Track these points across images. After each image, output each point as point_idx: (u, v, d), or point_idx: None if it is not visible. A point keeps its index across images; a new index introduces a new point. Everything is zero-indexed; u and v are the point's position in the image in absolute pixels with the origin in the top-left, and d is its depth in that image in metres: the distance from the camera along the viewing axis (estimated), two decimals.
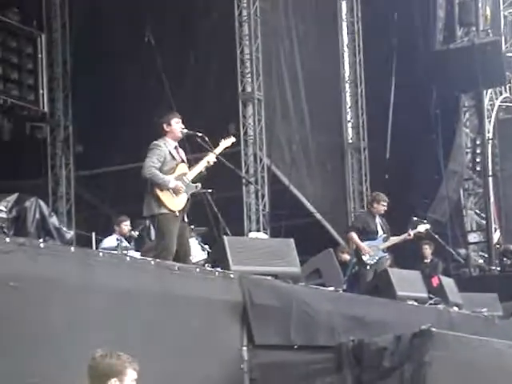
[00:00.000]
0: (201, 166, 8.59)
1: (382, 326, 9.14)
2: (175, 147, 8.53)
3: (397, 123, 16.83)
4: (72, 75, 15.90)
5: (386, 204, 11.65)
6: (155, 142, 8.45)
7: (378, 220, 11.66)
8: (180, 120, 8.55)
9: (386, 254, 11.72)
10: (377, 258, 11.48)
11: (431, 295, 11.43)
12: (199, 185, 8.59)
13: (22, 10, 15.45)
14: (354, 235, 11.52)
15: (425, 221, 13.01)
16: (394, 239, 11.79)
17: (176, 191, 8.33)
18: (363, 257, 11.42)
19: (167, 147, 8.44)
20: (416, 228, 12.08)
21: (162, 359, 6.77)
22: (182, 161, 8.54)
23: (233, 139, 8.92)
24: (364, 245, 11.43)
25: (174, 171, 8.42)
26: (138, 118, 14.17)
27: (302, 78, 15.80)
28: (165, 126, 8.50)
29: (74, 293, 6.30)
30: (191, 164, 8.65)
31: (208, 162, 8.60)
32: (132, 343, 6.17)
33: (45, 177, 15.76)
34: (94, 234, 11.18)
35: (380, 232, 11.63)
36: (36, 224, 10.04)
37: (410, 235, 11.95)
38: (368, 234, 11.52)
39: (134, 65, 14.95)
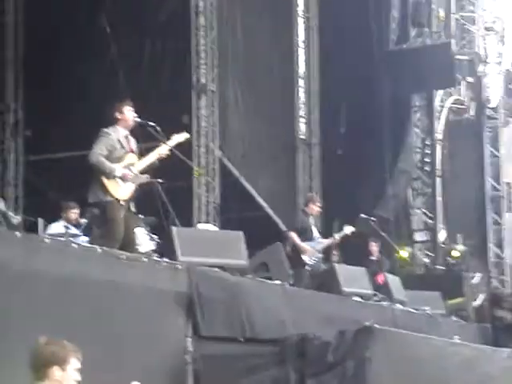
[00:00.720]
0: (152, 158, 8.58)
1: (327, 321, 9.22)
2: (126, 136, 8.49)
3: (349, 120, 16.97)
4: (23, 60, 15.69)
5: (320, 205, 11.93)
6: (105, 129, 8.40)
7: (311, 221, 11.89)
8: (132, 108, 8.51)
9: (321, 255, 11.93)
10: (315, 258, 11.66)
11: (376, 292, 11.57)
12: (148, 176, 8.56)
13: None
14: (294, 235, 11.66)
15: (372, 218, 13.16)
16: (323, 241, 11.97)
17: (123, 180, 8.29)
18: (303, 257, 11.56)
19: (117, 135, 8.39)
20: (342, 230, 12.17)
21: (106, 347, 6.75)
22: (132, 151, 8.51)
23: (186, 135, 8.92)
24: (304, 245, 11.58)
25: (121, 160, 8.38)
26: (89, 105, 14.05)
27: (256, 72, 15.81)
28: (117, 113, 8.45)
29: (19, 279, 6.25)
30: (142, 154, 8.62)
31: (160, 154, 8.59)
32: (76, 330, 6.14)
33: None
34: (41, 220, 11.06)
35: (315, 233, 11.84)
36: None
37: (335, 239, 12.09)
38: (305, 235, 11.68)
39: (87, 51, 14.79)
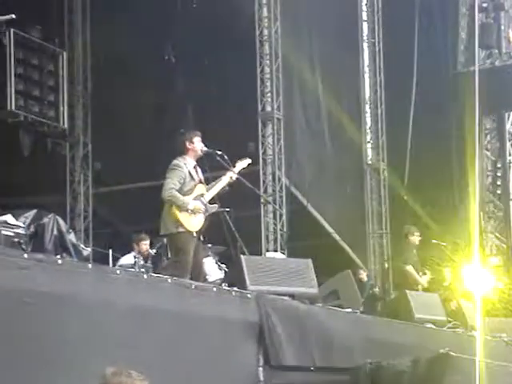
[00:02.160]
0: (219, 186, 8.60)
1: (400, 349, 9.04)
2: (194, 166, 8.54)
3: (417, 144, 16.75)
4: (92, 93, 15.97)
5: (419, 234, 11.94)
6: (175, 161, 8.46)
7: (415, 252, 12.01)
8: (200, 138, 8.57)
9: None
10: None
11: (449, 318, 11.32)
12: (216, 205, 8.59)
13: (44, 28, 15.55)
14: (412, 269, 11.78)
15: (443, 243, 12.96)
16: None
17: (195, 212, 8.34)
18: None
19: (187, 167, 8.45)
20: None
21: (178, 377, 6.72)
22: (200, 181, 8.56)
23: (249, 160, 8.93)
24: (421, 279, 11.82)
25: (192, 192, 8.43)
26: (156, 137, 14.18)
27: (323, 97, 15.77)
28: (187, 143, 8.52)
29: (90, 310, 6.27)
30: (209, 182, 8.64)
31: (227, 181, 8.60)
32: (148, 361, 6.13)
33: (63, 193, 15.78)
34: (110, 251, 11.15)
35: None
36: (54, 240, 10.03)
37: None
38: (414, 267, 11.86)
39: (153, 83, 14.97)
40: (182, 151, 8.52)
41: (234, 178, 8.63)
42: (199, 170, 8.63)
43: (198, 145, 8.52)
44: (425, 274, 12.05)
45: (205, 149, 8.60)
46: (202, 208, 8.39)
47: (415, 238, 12.07)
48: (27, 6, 14.79)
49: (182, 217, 8.31)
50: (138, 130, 14.91)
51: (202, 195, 8.49)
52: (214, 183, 8.64)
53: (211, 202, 8.59)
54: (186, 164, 8.47)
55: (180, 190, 8.36)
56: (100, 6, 15.81)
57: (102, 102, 15.71)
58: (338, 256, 14.81)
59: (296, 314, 8.27)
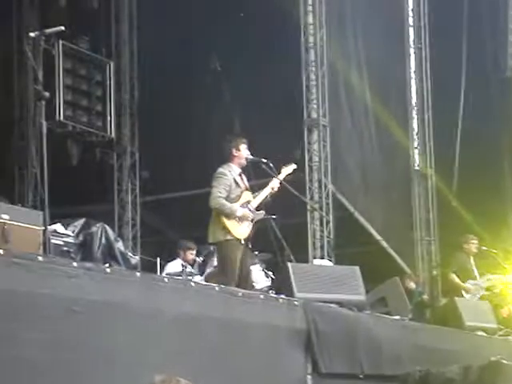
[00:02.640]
0: (265, 193, 8.60)
1: (450, 357, 8.94)
2: (239, 174, 8.55)
3: (465, 151, 16.56)
4: (139, 102, 16.10)
5: (475, 242, 11.87)
6: (221, 169, 8.48)
7: (472, 261, 11.91)
8: (247, 145, 8.59)
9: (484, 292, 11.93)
10: (478, 296, 11.62)
11: (501, 326, 11.17)
12: (263, 212, 8.59)
13: (91, 38, 15.73)
14: (455, 276, 11.80)
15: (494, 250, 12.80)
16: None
17: (243, 219, 8.35)
18: (466, 296, 11.59)
19: (232, 175, 8.46)
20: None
21: None
22: (246, 188, 8.56)
23: (294, 165, 8.91)
24: (466, 285, 11.76)
25: (239, 199, 8.44)
26: (203, 144, 14.25)
27: (370, 103, 15.69)
28: (234, 150, 8.53)
29: (138, 318, 6.30)
30: (254, 190, 8.65)
31: (272, 189, 8.60)
32: (195, 369, 6.14)
33: (111, 202, 15.92)
34: (158, 259, 11.22)
35: (475, 273, 11.85)
36: (102, 249, 10.12)
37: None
38: (465, 274, 11.87)
39: (199, 92, 15.04)
40: (228, 158, 8.53)
41: (278, 186, 8.62)
42: (245, 177, 8.64)
43: (244, 152, 8.54)
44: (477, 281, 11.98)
45: (250, 157, 8.61)
46: (250, 215, 8.41)
47: (471, 246, 12.08)
48: (75, 17, 14.99)
49: (230, 224, 8.33)
50: (185, 138, 14.98)
51: (248, 202, 8.50)
52: (260, 191, 8.65)
53: (257, 209, 8.59)
54: (231, 171, 8.48)
55: (226, 198, 8.37)
56: (147, 16, 15.95)
57: (148, 111, 15.84)
58: (385, 263, 14.70)
59: (344, 322, 8.23)
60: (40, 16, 15.55)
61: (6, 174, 14.86)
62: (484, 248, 12.82)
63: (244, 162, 8.56)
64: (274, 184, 8.63)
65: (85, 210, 12.46)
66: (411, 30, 16.95)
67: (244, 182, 8.58)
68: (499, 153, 16.50)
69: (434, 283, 15.64)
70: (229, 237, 8.34)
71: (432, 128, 16.76)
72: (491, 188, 16.22)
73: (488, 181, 16.22)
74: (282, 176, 8.70)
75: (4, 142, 15.10)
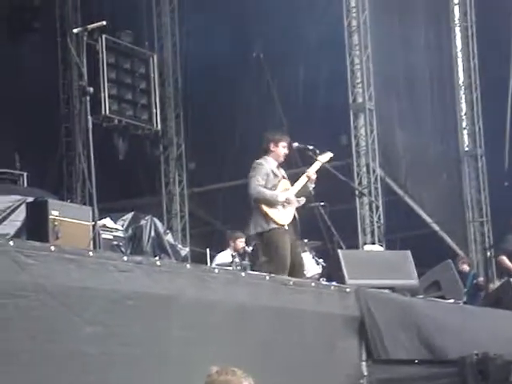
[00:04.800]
0: (302, 182, 8.52)
1: (506, 340, 8.80)
2: (276, 167, 8.50)
3: None
4: (183, 93, 16.12)
5: None
6: (257, 160, 8.47)
7: None
8: (287, 144, 8.51)
9: None
10: None
11: None
12: (304, 199, 8.52)
13: (134, 32, 15.79)
14: (505, 258, 11.44)
15: None
16: None
17: (285, 204, 8.29)
18: None
19: (269, 166, 8.41)
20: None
21: (279, 374, 6.68)
22: (284, 178, 8.51)
23: (330, 154, 8.80)
24: None
25: (276, 188, 8.40)
26: (248, 133, 14.21)
27: (416, 85, 15.51)
28: (272, 145, 8.48)
29: (190, 309, 6.30)
30: (295, 178, 8.59)
31: (309, 176, 8.51)
32: (249, 358, 6.11)
33: (159, 195, 15.99)
34: (208, 250, 11.22)
35: None
36: (152, 242, 10.16)
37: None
38: None
39: (243, 80, 15.00)
40: (265, 152, 8.48)
41: (315, 174, 8.52)
42: (282, 170, 8.59)
43: (281, 150, 8.47)
44: None
45: (296, 145, 8.56)
46: (292, 199, 8.33)
47: None
48: (117, 12, 15.04)
49: (272, 212, 8.27)
50: (230, 127, 14.97)
51: (286, 190, 8.45)
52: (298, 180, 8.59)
53: (298, 197, 8.53)
54: (268, 163, 8.44)
55: (264, 187, 8.32)
56: (188, 7, 15.94)
57: (193, 102, 15.85)
58: (437, 246, 14.54)
59: (397, 307, 8.13)
60: (82, 12, 15.65)
61: (54, 171, 15.00)
62: None
63: (281, 159, 8.50)
64: (312, 171, 8.55)
65: (133, 204, 12.54)
66: (456, 8, 16.70)
67: (281, 173, 8.52)
68: None
69: (488, 265, 15.42)
70: (272, 225, 8.28)
71: (480, 108, 16.51)
72: None
73: None
74: (317, 165, 8.61)
75: (51, 138, 15.23)
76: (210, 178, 15.43)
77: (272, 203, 8.27)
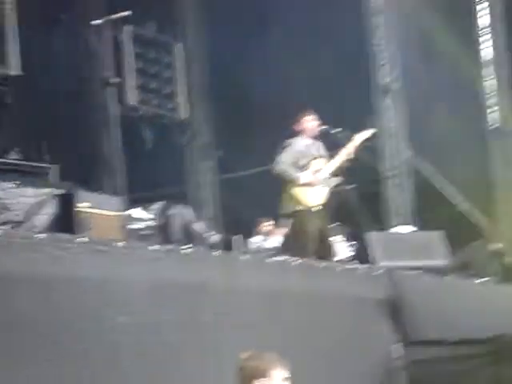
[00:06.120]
0: (339, 160, 8.46)
1: None
2: (310, 144, 8.45)
3: None
4: (208, 82, 16.11)
5: None
6: (288, 140, 8.44)
7: None
8: (312, 117, 8.46)
9: None
10: None
11: None
12: (339, 178, 8.46)
13: (158, 21, 15.78)
14: None
15: None
16: None
17: (309, 185, 8.24)
18: None
19: (300, 144, 8.38)
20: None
21: (312, 358, 6.69)
22: (318, 157, 8.45)
23: (372, 130, 8.73)
24: None
25: (308, 167, 8.35)
26: (274, 120, 14.14)
27: (441, 64, 15.35)
28: (297, 125, 8.46)
29: (220, 296, 6.31)
30: (328, 160, 8.54)
31: (347, 155, 8.47)
32: (280, 344, 6.11)
33: (188, 183, 16.02)
34: (238, 237, 11.21)
35: None
36: (182, 230, 10.16)
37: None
38: None
39: (264, 66, 14.93)
40: (296, 133, 8.47)
41: (351, 153, 8.47)
42: (320, 145, 8.51)
43: (308, 124, 8.43)
44: None
45: (321, 127, 8.51)
46: (317, 181, 8.26)
47: None
48: (140, 1, 15.03)
49: (299, 192, 8.22)
50: (257, 114, 14.92)
51: (319, 170, 8.39)
52: (333, 159, 8.54)
53: (334, 176, 8.46)
54: (298, 142, 8.40)
55: (294, 165, 8.28)
56: None
57: (218, 90, 15.82)
58: (468, 226, 14.42)
59: (430, 287, 8.11)
60: (106, 2, 15.66)
61: (83, 162, 15.07)
62: None
63: (313, 133, 8.45)
64: (348, 151, 8.49)
65: (163, 193, 12.52)
66: None
67: (316, 151, 8.46)
68: None
69: None
70: (299, 207, 8.21)
71: (509, 85, 16.31)
72: None
73: None
74: (355, 143, 8.53)
75: (78, 130, 15.30)
76: (238, 165, 15.41)
77: (296, 183, 8.24)
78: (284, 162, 8.27)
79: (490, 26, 16.33)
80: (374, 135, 8.79)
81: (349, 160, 8.49)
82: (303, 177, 8.25)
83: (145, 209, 9.64)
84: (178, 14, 16.18)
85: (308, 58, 14.57)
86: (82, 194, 7.89)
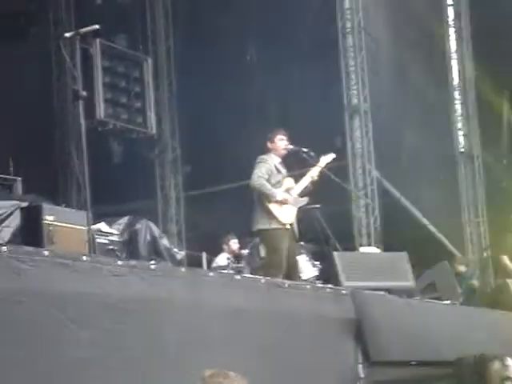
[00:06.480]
0: (305, 181, 8.54)
1: (504, 341, 8.79)
2: (279, 162, 8.52)
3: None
4: (177, 96, 16.10)
5: None
6: (261, 156, 8.49)
7: None
8: (284, 137, 8.53)
9: None
10: None
11: None
12: (306, 199, 8.53)
13: (128, 36, 15.77)
14: (506, 259, 11.49)
15: None
16: None
17: (283, 203, 8.29)
18: None
19: (272, 161, 8.44)
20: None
21: (274, 378, 6.66)
22: (289, 175, 8.52)
23: (333, 155, 8.84)
24: None
25: (281, 185, 8.41)
26: (243, 137, 14.19)
27: (410, 87, 15.50)
28: (268, 143, 8.52)
29: (185, 313, 6.28)
30: (297, 180, 8.60)
31: (312, 177, 8.54)
32: (244, 362, 6.09)
33: (155, 198, 15.97)
34: (204, 254, 11.20)
35: None
36: (147, 246, 10.13)
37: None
38: None
39: (236, 83, 14.98)
40: (267, 151, 8.51)
41: (318, 174, 8.56)
42: (284, 167, 8.61)
43: (280, 143, 8.50)
44: None
45: (290, 147, 8.57)
46: (291, 200, 8.33)
47: None
48: (111, 15, 15.02)
49: (274, 208, 8.26)
50: (225, 131, 14.94)
51: (291, 188, 8.46)
52: (301, 179, 8.60)
53: (300, 196, 8.53)
54: (271, 159, 8.46)
55: (268, 182, 8.32)
56: (182, 11, 15.92)
57: (187, 106, 15.83)
58: (434, 247, 14.53)
59: (393, 309, 8.12)
60: (76, 16, 15.62)
61: (49, 176, 14.97)
62: None
63: (282, 152, 8.51)
64: (314, 172, 8.56)
65: (129, 208, 12.51)
66: (450, 10, 16.66)
67: (285, 170, 8.54)
68: None
69: (485, 265, 15.41)
70: (274, 225, 8.26)
71: (476, 108, 16.49)
72: None
73: None
74: (321, 165, 8.63)
75: (46, 143, 15.20)
76: (205, 181, 15.40)
77: (270, 199, 8.26)
78: (261, 176, 8.30)
79: (456, 51, 16.51)
80: (334, 159, 8.88)
81: (314, 182, 8.55)
82: (279, 194, 8.29)
83: (111, 223, 9.60)
84: (148, 30, 16.18)
85: (280, 77, 14.65)
86: (47, 207, 7.84)
